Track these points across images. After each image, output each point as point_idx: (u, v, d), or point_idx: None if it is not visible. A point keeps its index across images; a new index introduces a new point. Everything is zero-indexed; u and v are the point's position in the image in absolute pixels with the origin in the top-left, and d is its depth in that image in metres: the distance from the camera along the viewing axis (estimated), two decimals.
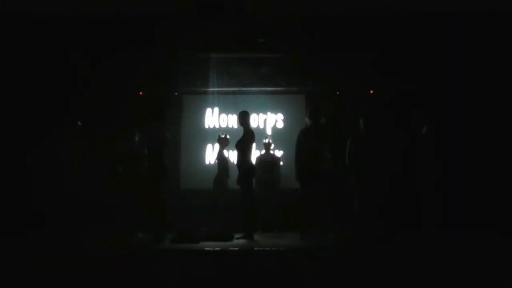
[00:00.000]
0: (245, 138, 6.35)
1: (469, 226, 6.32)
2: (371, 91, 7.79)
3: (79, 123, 7.39)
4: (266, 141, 7.38)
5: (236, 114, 7.23)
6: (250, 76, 7.95)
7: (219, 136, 7.21)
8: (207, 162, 7.97)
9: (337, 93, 7.93)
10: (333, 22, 6.91)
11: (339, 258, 4.71)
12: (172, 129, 7.35)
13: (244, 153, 6.31)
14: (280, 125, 8.13)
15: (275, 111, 8.14)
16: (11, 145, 6.88)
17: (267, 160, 7.32)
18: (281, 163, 7.53)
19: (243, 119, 6.44)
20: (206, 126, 8.10)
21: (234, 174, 6.62)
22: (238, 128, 6.65)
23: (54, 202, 6.63)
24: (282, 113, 8.13)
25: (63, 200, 6.67)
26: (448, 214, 5.99)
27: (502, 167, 6.91)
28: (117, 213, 6.36)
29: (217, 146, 7.34)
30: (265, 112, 8.14)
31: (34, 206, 6.60)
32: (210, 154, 7.96)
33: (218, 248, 5.27)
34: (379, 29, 6.92)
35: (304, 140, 6.19)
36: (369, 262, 4.59)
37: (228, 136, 7.18)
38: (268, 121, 8.13)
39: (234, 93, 8.04)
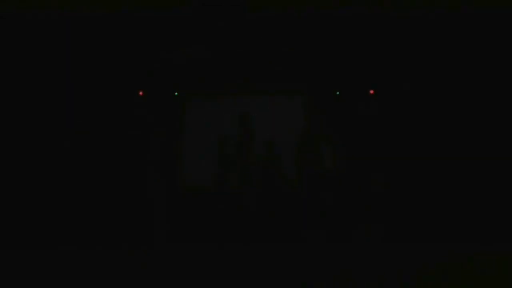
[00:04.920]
0: (245, 137, 6.36)
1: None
2: (371, 91, 7.79)
3: None
4: (266, 141, 7.38)
5: (236, 114, 7.23)
6: (251, 76, 7.95)
7: (220, 136, 7.21)
8: (208, 162, 7.97)
9: (337, 93, 7.93)
10: (333, 21, 6.92)
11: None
12: (174, 129, 7.37)
13: (244, 153, 6.31)
14: (280, 125, 8.12)
15: (275, 111, 8.13)
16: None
17: (267, 160, 7.32)
18: (281, 163, 7.52)
19: (243, 119, 6.45)
20: (207, 126, 8.10)
21: (234, 174, 6.62)
22: (239, 128, 6.65)
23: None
24: (282, 113, 8.12)
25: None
26: None
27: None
28: None
29: (218, 146, 7.34)
30: (265, 112, 8.13)
31: None
32: (211, 154, 7.96)
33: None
34: (378, 29, 6.93)
35: (304, 141, 6.21)
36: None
37: (229, 136, 7.18)
38: (268, 121, 8.13)
39: (234, 93, 8.04)
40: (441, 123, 6.94)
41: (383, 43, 7.09)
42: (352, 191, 6.54)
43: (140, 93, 7.83)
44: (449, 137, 6.78)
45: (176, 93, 8.02)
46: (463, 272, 4.29)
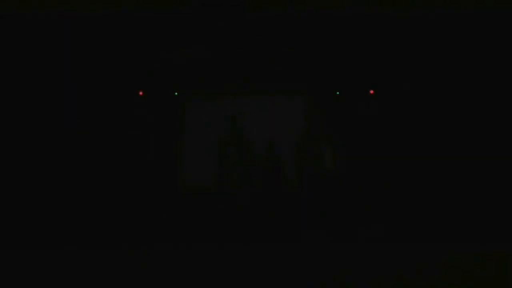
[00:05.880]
0: (245, 138, 6.37)
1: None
2: (371, 91, 7.79)
3: None
4: (266, 141, 7.38)
5: (236, 114, 7.24)
6: (251, 76, 7.95)
7: (220, 135, 7.22)
8: (208, 162, 7.97)
9: (337, 93, 7.93)
10: (333, 21, 6.92)
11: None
12: (174, 129, 7.38)
13: (244, 153, 6.32)
14: (280, 125, 8.12)
15: (275, 111, 8.13)
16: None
17: (267, 160, 7.32)
18: (281, 163, 7.53)
19: (243, 119, 6.46)
20: (207, 126, 8.10)
21: (234, 173, 6.63)
22: (238, 128, 6.66)
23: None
24: (282, 114, 8.12)
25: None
26: None
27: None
28: None
29: (218, 146, 7.34)
30: (265, 112, 8.13)
31: None
32: (211, 154, 7.96)
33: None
34: (378, 29, 6.93)
35: (304, 141, 6.21)
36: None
37: (228, 136, 7.18)
38: (268, 121, 8.13)
39: (234, 93, 8.04)
40: (441, 123, 6.94)
41: (383, 43, 7.09)
42: (352, 191, 6.54)
43: (140, 93, 7.84)
44: (449, 137, 6.78)
45: (176, 93, 8.03)
46: (463, 272, 4.29)
